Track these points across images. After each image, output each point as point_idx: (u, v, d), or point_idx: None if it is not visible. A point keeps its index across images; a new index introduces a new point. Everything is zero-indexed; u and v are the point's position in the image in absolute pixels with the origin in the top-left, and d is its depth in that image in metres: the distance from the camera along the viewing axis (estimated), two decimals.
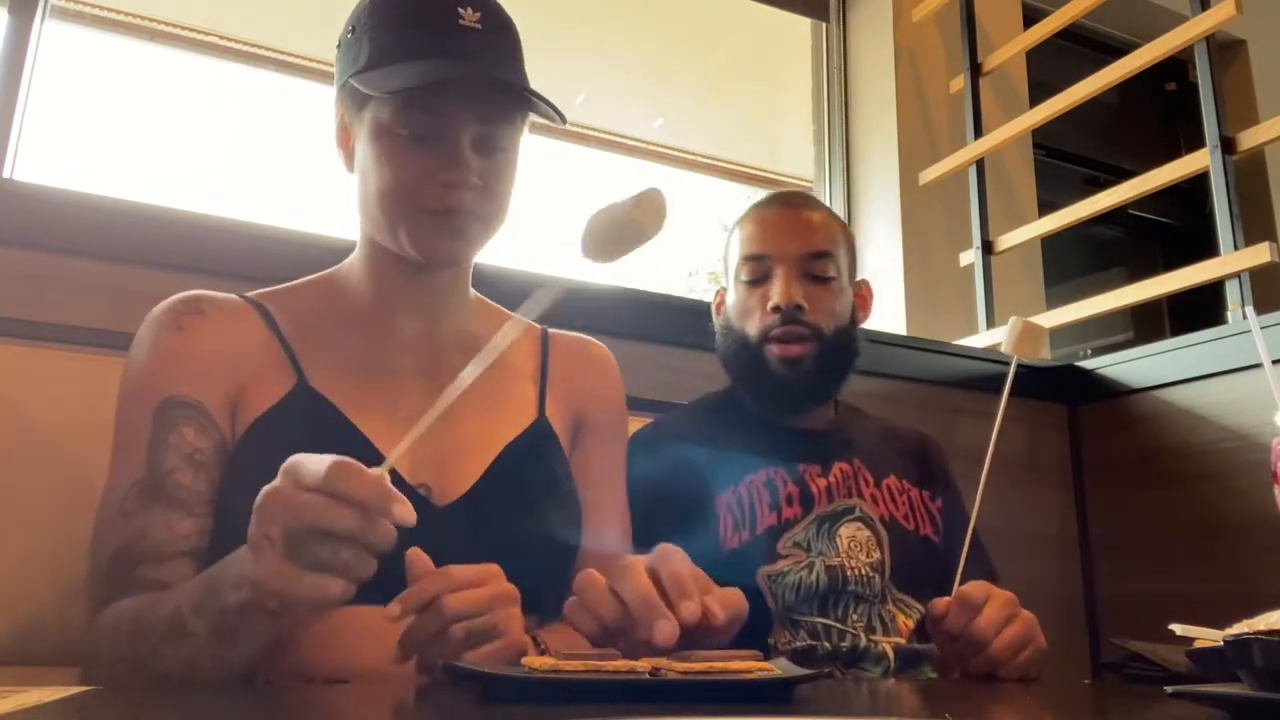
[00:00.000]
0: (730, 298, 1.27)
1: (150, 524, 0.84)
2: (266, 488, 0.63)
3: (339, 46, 0.95)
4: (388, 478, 0.63)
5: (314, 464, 0.62)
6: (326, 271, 1.02)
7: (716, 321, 1.31)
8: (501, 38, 0.92)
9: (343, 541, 0.61)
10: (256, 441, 0.88)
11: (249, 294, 0.97)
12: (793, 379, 1.19)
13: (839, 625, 1.12)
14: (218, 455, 0.88)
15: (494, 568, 0.76)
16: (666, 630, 0.68)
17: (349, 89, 0.91)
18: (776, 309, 1.19)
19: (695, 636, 0.72)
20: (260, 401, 0.89)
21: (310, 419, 0.89)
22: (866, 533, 1.18)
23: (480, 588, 0.72)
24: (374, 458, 0.86)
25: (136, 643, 0.75)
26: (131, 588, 0.82)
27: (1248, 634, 0.58)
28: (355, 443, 0.87)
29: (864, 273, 2.57)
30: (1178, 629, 0.67)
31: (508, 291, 1.11)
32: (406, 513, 0.61)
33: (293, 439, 0.86)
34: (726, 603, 0.75)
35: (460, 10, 0.89)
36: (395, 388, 0.93)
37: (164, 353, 0.90)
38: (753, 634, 0.75)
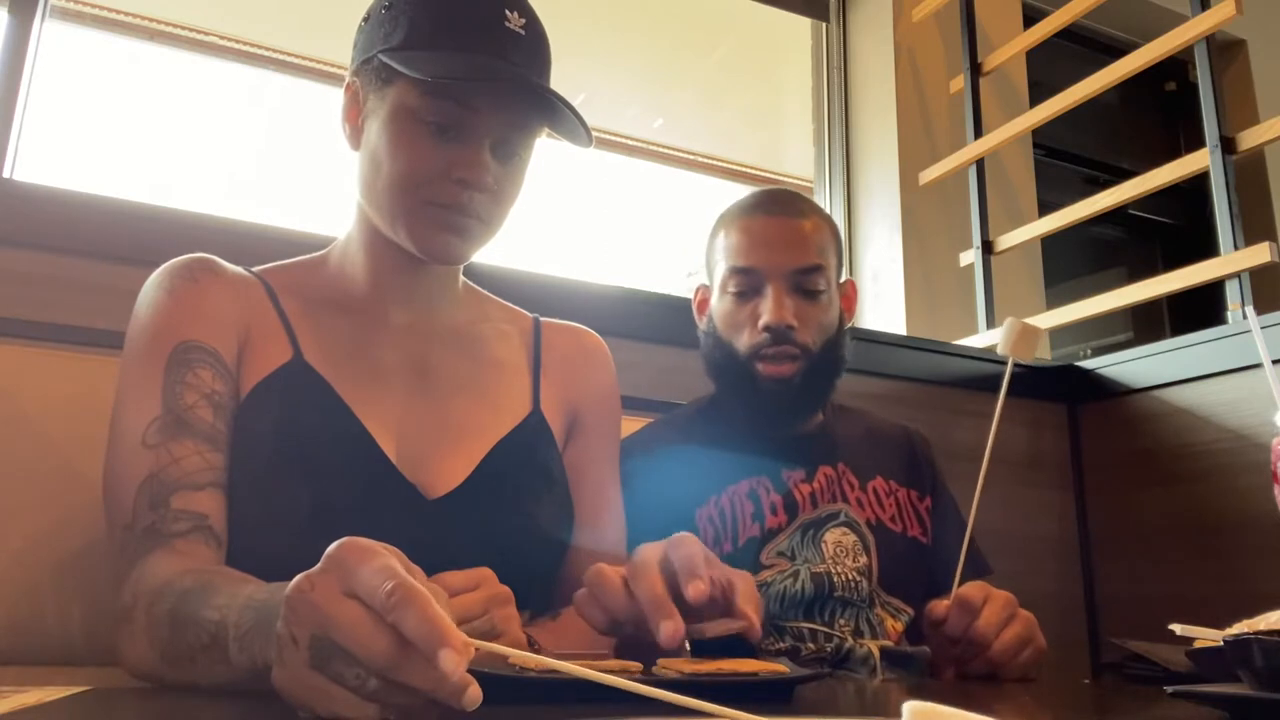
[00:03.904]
0: (716, 305, 1.24)
1: (181, 451, 0.82)
2: (302, 577, 0.52)
3: (366, 19, 0.94)
4: (471, 648, 0.50)
5: (377, 571, 0.50)
6: (321, 252, 1.01)
7: (700, 324, 1.29)
8: (539, 48, 0.92)
9: (374, 671, 0.49)
10: (250, 409, 0.87)
11: (251, 269, 0.97)
12: (781, 394, 1.18)
13: (825, 629, 1.11)
14: (232, 403, 0.88)
15: (486, 571, 0.76)
16: (669, 630, 0.67)
17: (375, 64, 0.89)
18: (767, 329, 1.16)
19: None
20: (258, 368, 0.89)
21: (304, 393, 0.88)
22: (852, 537, 1.17)
23: (475, 591, 0.72)
24: (364, 441, 0.87)
25: (175, 637, 0.70)
26: (169, 522, 0.80)
27: (1248, 634, 0.58)
28: (348, 424, 0.87)
29: (864, 273, 2.58)
30: (1178, 629, 0.67)
31: (502, 291, 1.11)
32: (454, 663, 0.47)
33: (286, 411, 0.87)
34: (751, 595, 0.74)
35: (508, 13, 0.88)
36: (383, 377, 0.93)
37: (180, 299, 0.89)
38: (741, 642, 0.74)
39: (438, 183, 0.87)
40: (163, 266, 0.92)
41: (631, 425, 1.25)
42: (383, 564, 0.50)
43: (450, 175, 0.87)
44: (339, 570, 0.51)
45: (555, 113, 0.89)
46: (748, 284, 1.20)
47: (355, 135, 0.94)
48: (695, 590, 0.69)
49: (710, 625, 0.70)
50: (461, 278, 1.04)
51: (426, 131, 0.87)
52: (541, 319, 1.09)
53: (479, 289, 1.07)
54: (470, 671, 0.50)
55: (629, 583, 0.71)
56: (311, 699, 0.51)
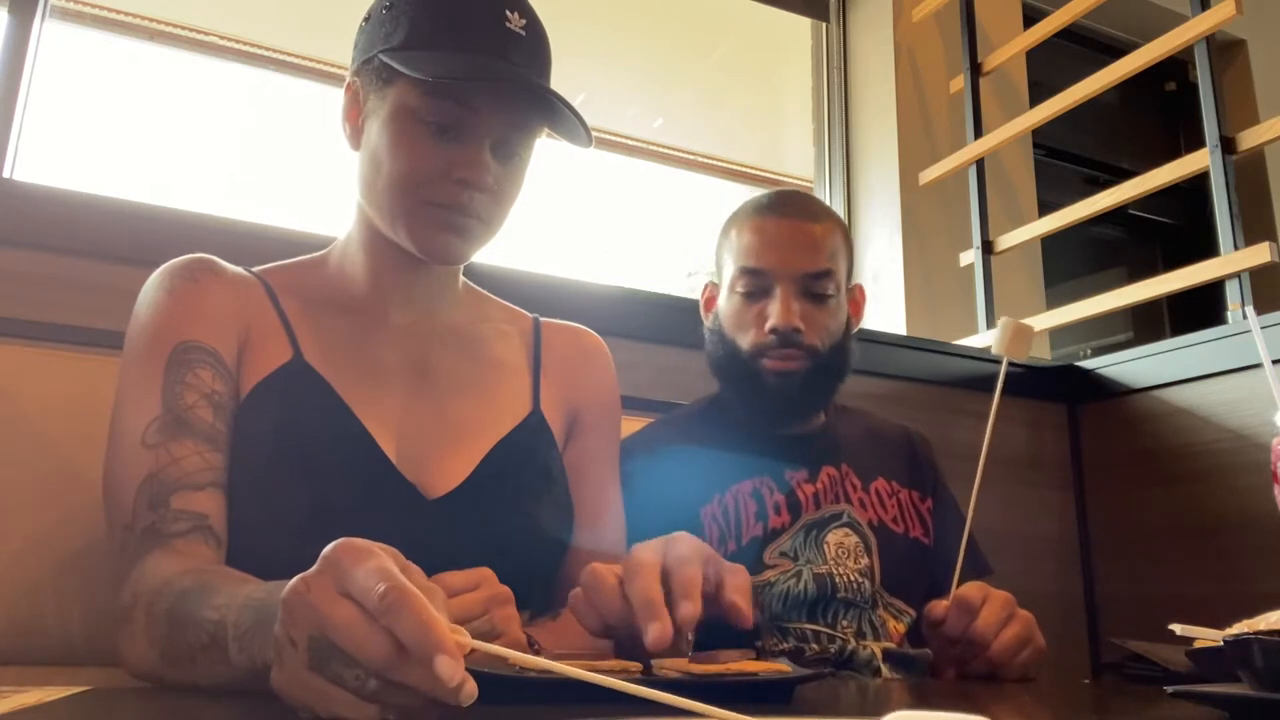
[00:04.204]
0: (723, 303, 1.24)
1: (181, 451, 0.83)
2: (298, 579, 0.52)
3: (367, 19, 0.94)
4: (466, 640, 0.50)
5: (371, 572, 0.50)
6: (321, 252, 1.01)
7: (705, 320, 1.28)
8: (539, 49, 0.92)
9: (372, 672, 0.50)
10: (251, 409, 0.88)
11: (251, 269, 0.97)
12: (785, 391, 1.17)
13: (828, 630, 1.11)
14: (232, 403, 0.88)
15: (486, 571, 0.75)
16: (655, 632, 0.65)
17: (376, 64, 0.89)
18: (774, 331, 1.16)
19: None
20: (258, 368, 0.89)
21: (305, 393, 0.88)
22: (855, 539, 1.17)
23: (474, 592, 0.72)
24: (364, 441, 0.87)
25: (174, 636, 0.70)
26: (169, 522, 0.80)
27: (1248, 634, 0.58)
28: (348, 424, 0.87)
29: (864, 273, 2.58)
30: (1178, 629, 0.67)
31: (502, 291, 1.11)
32: (451, 670, 0.47)
33: (286, 411, 0.87)
34: (741, 586, 0.73)
35: (508, 14, 0.88)
36: (383, 377, 0.93)
37: (180, 299, 0.89)
38: (739, 642, 0.74)
39: (438, 183, 0.87)
40: (163, 267, 0.92)
41: (632, 425, 1.25)
42: (376, 565, 0.50)
43: (450, 175, 0.87)
44: (334, 571, 0.51)
45: (555, 113, 0.89)
46: (756, 284, 1.19)
47: (356, 135, 0.94)
48: (685, 612, 0.67)
49: (725, 654, 0.70)
50: (461, 278, 1.04)
51: (427, 131, 0.87)
52: (541, 319, 1.09)
53: (479, 289, 1.07)
54: (470, 671, 0.50)
55: (624, 584, 0.70)
56: (311, 700, 0.51)
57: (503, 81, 0.87)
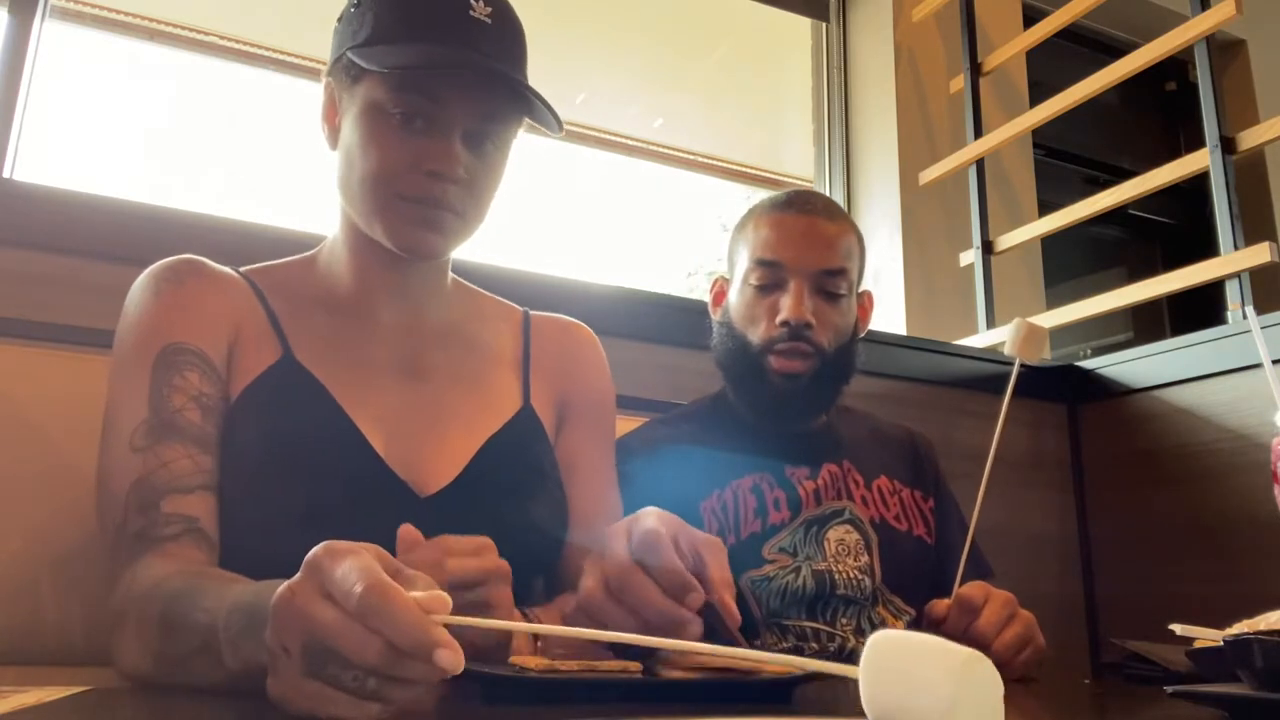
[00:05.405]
0: (734, 296, 1.23)
1: (170, 455, 0.82)
2: (284, 587, 0.52)
3: (339, 20, 0.94)
4: (444, 617, 0.50)
5: (347, 572, 0.50)
6: (309, 253, 1.01)
7: (714, 315, 1.28)
8: (509, 37, 0.91)
9: (370, 672, 0.49)
10: (241, 409, 0.87)
11: (239, 269, 0.96)
12: (789, 392, 1.17)
13: (827, 628, 1.11)
14: (221, 405, 0.87)
15: (487, 540, 0.74)
16: (695, 632, 0.67)
17: (345, 62, 0.89)
18: (785, 324, 1.16)
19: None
20: (248, 368, 0.89)
21: (295, 392, 0.88)
22: (855, 536, 1.17)
23: (473, 559, 0.71)
24: (356, 439, 0.87)
25: (166, 640, 0.70)
26: (160, 526, 0.80)
27: (1248, 634, 0.58)
28: (339, 423, 0.87)
29: (864, 273, 2.57)
30: (1178, 629, 0.67)
31: (501, 291, 1.11)
32: (452, 660, 0.48)
33: (277, 410, 0.87)
34: (721, 562, 0.73)
35: (473, 3, 0.88)
36: (374, 376, 0.93)
37: (166, 302, 0.89)
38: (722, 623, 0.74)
39: (408, 176, 0.87)
40: (149, 269, 0.92)
41: (631, 425, 1.25)
42: (354, 564, 0.50)
43: (420, 167, 0.87)
44: (316, 575, 0.51)
45: (526, 101, 0.88)
46: (771, 278, 1.19)
47: (333, 135, 0.93)
48: (695, 601, 0.68)
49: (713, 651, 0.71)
50: (450, 274, 1.03)
51: (395, 125, 0.87)
52: (531, 312, 1.08)
53: (468, 284, 1.07)
54: (472, 671, 0.50)
55: (619, 596, 0.70)
56: (311, 705, 0.50)
57: (463, 70, 0.86)
